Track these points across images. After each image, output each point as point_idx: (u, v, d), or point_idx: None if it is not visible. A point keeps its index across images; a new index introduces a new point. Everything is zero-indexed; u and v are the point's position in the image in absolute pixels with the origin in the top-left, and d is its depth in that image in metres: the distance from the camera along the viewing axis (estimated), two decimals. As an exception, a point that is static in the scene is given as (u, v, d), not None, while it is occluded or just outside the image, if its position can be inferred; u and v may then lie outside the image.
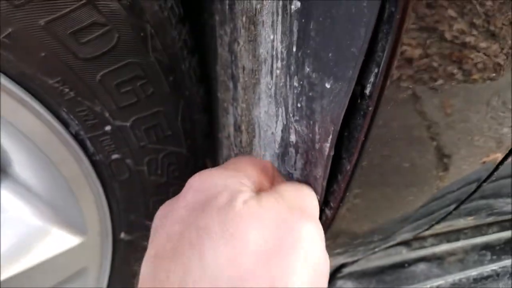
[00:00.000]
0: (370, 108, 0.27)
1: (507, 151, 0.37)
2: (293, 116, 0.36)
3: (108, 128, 0.50)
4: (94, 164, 0.54)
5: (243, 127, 0.54)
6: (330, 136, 0.31)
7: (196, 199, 0.33)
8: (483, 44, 0.25)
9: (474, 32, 0.24)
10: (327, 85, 0.29)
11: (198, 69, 0.55)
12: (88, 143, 0.51)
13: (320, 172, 0.35)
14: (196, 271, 0.28)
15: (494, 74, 0.27)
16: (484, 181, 0.43)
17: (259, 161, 0.39)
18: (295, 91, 0.34)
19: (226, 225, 0.29)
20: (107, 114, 0.48)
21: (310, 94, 0.31)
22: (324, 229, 0.42)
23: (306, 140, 0.35)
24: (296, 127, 0.36)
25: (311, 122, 0.33)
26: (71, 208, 0.59)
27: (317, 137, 0.33)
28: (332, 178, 0.36)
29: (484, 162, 0.37)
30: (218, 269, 0.28)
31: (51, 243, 0.60)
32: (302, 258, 0.29)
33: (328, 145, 0.31)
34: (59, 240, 0.61)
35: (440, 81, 0.26)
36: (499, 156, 0.37)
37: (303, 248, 0.30)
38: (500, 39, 0.25)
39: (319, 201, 0.38)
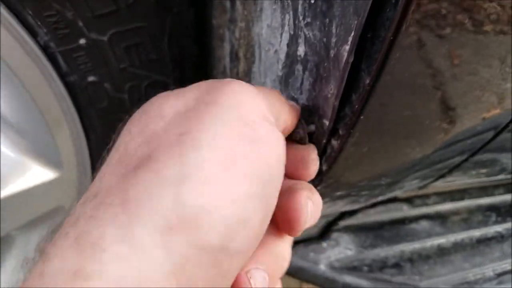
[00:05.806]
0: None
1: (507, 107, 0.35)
2: (304, 19, 0.29)
3: (82, 41, 0.43)
4: (68, 86, 0.47)
5: (240, 53, 0.47)
6: (352, 34, 0.24)
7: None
8: (498, -7, 0.22)
9: (490, -21, 0.21)
10: (355, -41, 0.22)
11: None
12: (60, 59, 0.44)
13: (333, 89, 0.29)
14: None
15: (507, 28, 0.25)
16: (500, 132, 0.40)
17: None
18: (309, -18, 0.27)
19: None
20: (81, 23, 0.41)
21: (330, -21, 0.25)
22: (327, 165, 0.36)
23: (318, 49, 0.29)
24: (307, 33, 0.30)
25: (327, 20, 0.26)
26: (43, 138, 0.52)
27: (334, 40, 0.26)
28: (343, 101, 0.30)
29: (484, 118, 0.35)
30: (130, 141, 0.24)
31: (21, 176, 0.54)
32: (226, 112, 0.23)
33: (347, 47, 0.25)
34: (30, 173, 0.55)
35: (448, 29, 0.24)
36: (498, 112, 0.35)
37: (231, 101, 0.24)
38: (517, -11, 0.22)
39: (327, 128, 0.32)
